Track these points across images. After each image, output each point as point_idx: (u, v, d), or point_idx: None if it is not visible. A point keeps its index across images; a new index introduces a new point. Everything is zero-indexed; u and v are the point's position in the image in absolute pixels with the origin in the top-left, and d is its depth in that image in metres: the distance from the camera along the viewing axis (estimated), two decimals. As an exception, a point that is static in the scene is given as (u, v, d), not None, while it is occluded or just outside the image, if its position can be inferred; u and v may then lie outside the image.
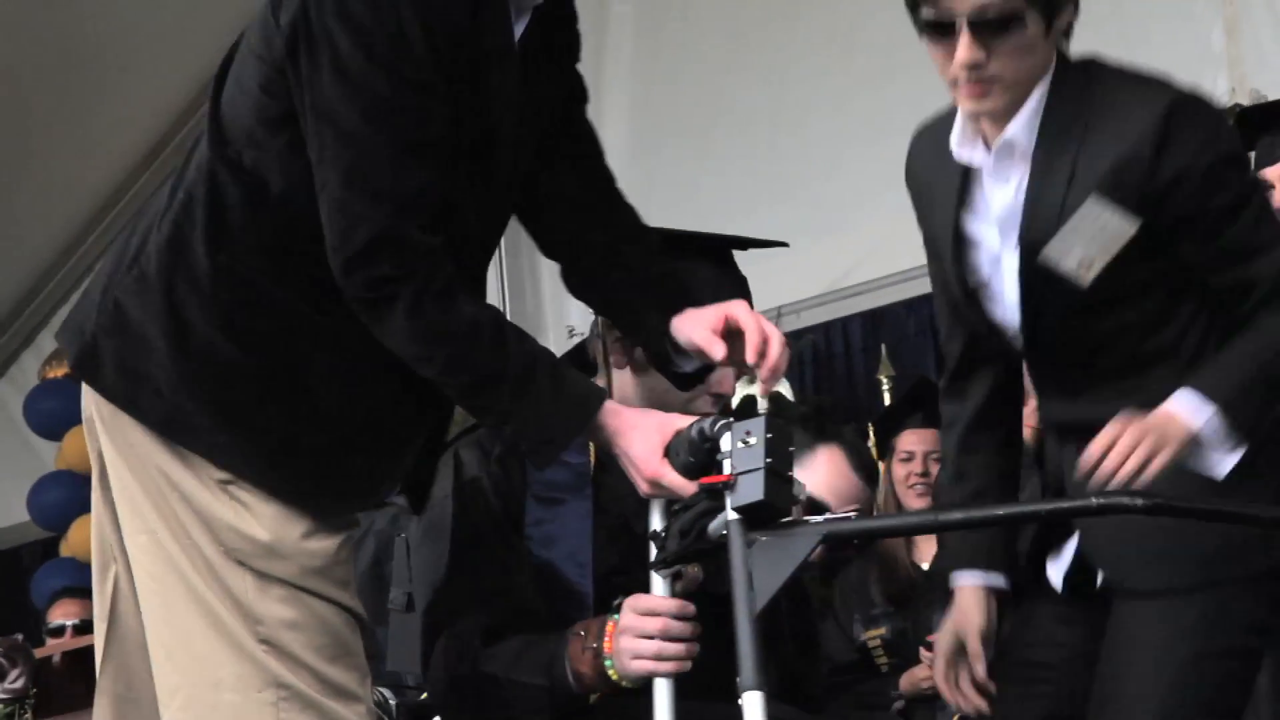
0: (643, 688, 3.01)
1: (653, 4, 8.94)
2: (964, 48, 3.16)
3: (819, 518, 2.87)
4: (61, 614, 8.03)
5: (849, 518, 3.10)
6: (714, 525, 2.81)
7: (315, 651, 2.93)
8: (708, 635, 3.08)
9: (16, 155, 9.60)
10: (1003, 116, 3.29)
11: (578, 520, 3.34)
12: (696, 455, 2.85)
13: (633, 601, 3.02)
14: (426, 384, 2.94)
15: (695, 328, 3.00)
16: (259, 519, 2.90)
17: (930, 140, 3.50)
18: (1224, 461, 3.15)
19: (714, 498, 2.81)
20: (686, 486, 2.86)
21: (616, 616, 3.05)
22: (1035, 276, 3.31)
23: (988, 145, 3.35)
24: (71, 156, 9.77)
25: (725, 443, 2.79)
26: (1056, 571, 3.43)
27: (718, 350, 2.94)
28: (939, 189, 3.46)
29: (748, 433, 2.77)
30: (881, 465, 6.03)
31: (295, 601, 2.93)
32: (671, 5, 8.84)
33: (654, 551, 2.98)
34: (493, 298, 9.25)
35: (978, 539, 3.49)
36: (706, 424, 2.85)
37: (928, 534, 3.10)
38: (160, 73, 9.15)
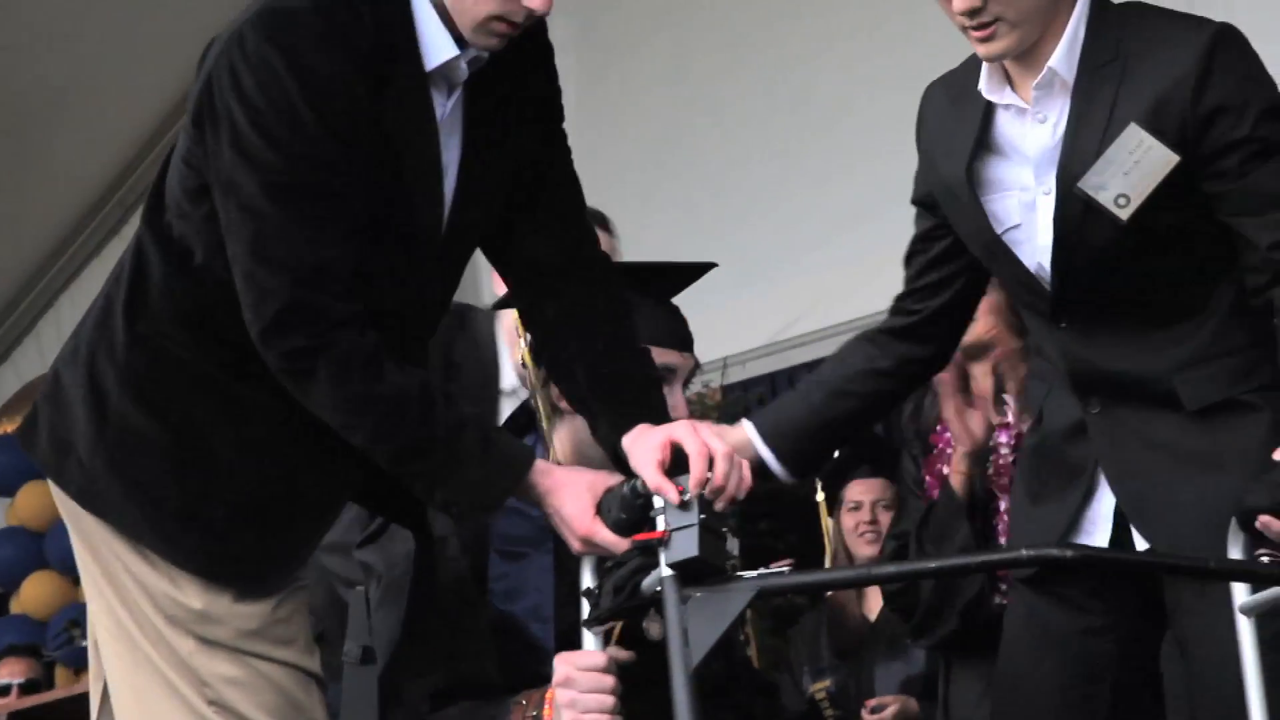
0: None
1: (595, 57, 8.83)
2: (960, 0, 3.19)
3: (753, 573, 2.85)
4: (7, 673, 7.97)
5: (783, 573, 3.06)
6: (647, 582, 2.81)
7: (265, 711, 2.93)
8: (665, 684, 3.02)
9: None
10: (1025, 57, 3.28)
11: (539, 574, 3.33)
12: (629, 512, 2.85)
13: (565, 658, 2.99)
14: (350, 446, 2.94)
15: (644, 460, 2.93)
16: (188, 586, 2.91)
17: (944, 91, 3.52)
18: None
19: (647, 555, 2.81)
20: (619, 544, 2.87)
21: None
22: (1072, 213, 3.29)
23: (1014, 88, 3.33)
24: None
25: (659, 500, 2.80)
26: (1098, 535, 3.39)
27: (671, 494, 2.87)
28: (957, 137, 3.44)
29: (680, 489, 2.79)
30: (830, 520, 6.07)
31: (239, 663, 2.93)
32: (613, 59, 8.83)
33: (586, 609, 2.97)
34: None
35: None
36: (639, 481, 2.85)
37: (860, 586, 3.07)
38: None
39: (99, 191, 10.08)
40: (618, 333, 3.15)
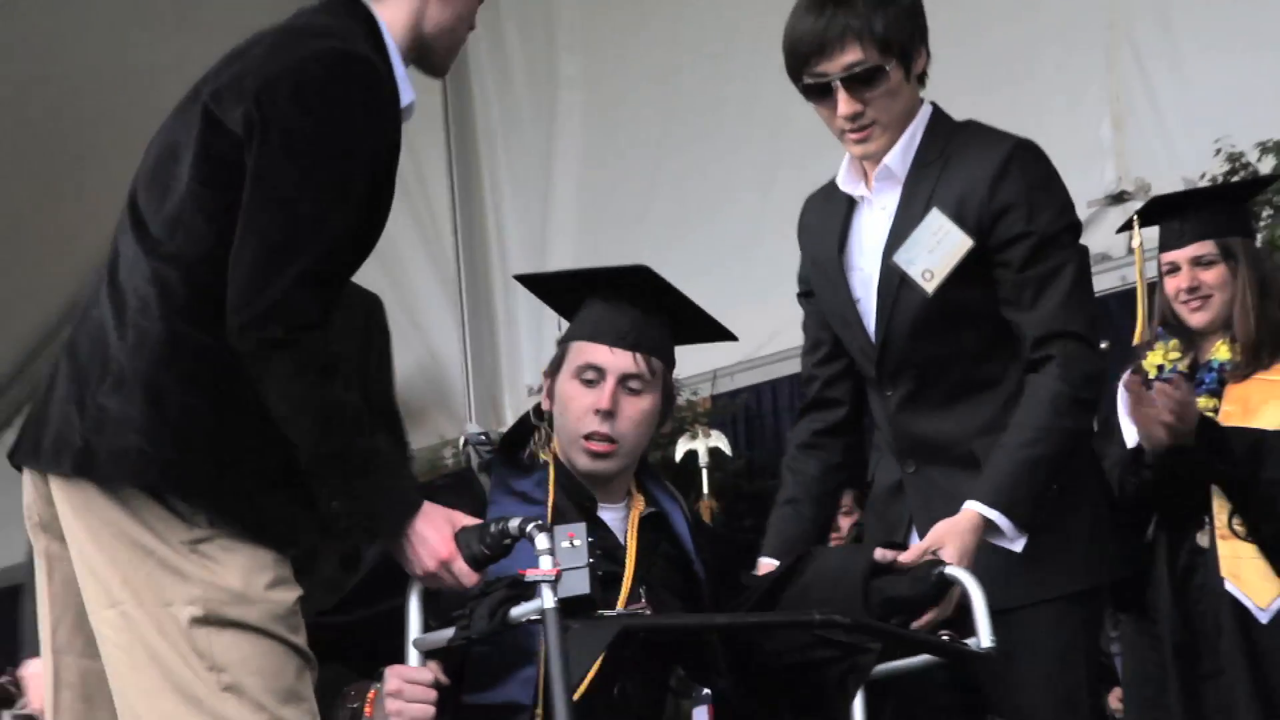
0: None
1: (599, 95, 9.06)
2: (842, 103, 3.48)
3: (613, 612, 3.07)
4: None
5: (643, 614, 3.20)
6: (517, 611, 2.89)
7: (272, 695, 2.90)
8: (638, 675, 3.25)
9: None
10: (884, 155, 3.57)
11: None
12: (492, 549, 2.90)
13: (396, 670, 3.03)
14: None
15: None
16: (229, 569, 2.89)
17: (819, 197, 3.80)
18: (1018, 541, 3.38)
19: (514, 588, 2.89)
20: (472, 575, 2.93)
21: (379, 685, 3.05)
22: (889, 285, 3.55)
23: (868, 183, 3.61)
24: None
25: (543, 541, 2.82)
26: None
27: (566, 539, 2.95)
28: (826, 229, 3.71)
29: (571, 535, 2.84)
30: None
31: (258, 645, 2.91)
32: (614, 97, 8.97)
33: (413, 628, 3.05)
34: (455, 354, 9.17)
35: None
36: (514, 523, 2.87)
37: (704, 631, 3.29)
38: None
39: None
40: None
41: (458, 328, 9.29)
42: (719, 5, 8.48)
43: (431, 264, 9.49)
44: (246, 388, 2.89)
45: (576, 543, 2.84)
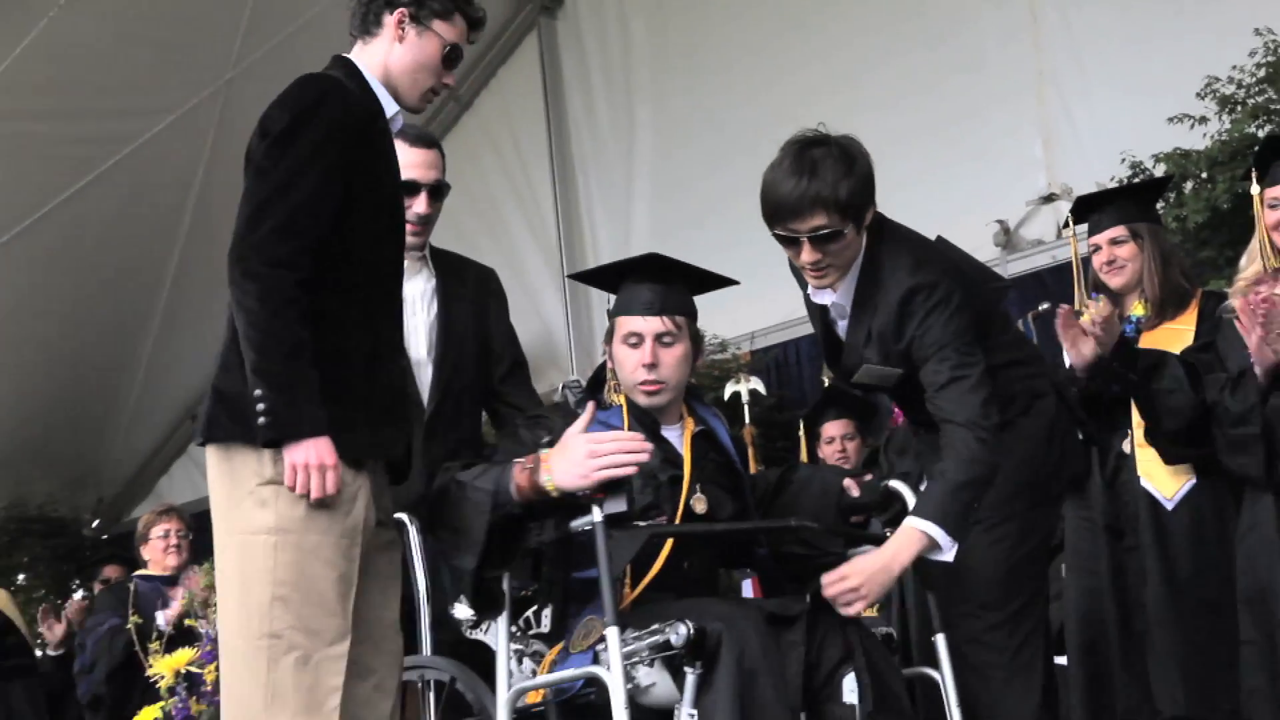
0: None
1: (665, 135, 8.96)
2: (807, 254, 3.26)
3: (645, 524, 3.04)
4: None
5: (664, 524, 3.13)
6: (574, 523, 2.92)
7: (312, 606, 2.79)
8: (696, 554, 3.20)
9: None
10: (836, 283, 3.37)
11: None
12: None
13: (587, 435, 2.95)
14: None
15: None
16: (286, 502, 2.82)
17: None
18: (951, 552, 3.10)
19: (575, 506, 2.90)
20: (335, 484, 2.81)
21: (546, 449, 2.97)
22: (865, 381, 3.46)
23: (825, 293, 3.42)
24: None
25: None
26: None
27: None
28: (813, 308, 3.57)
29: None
30: (807, 450, 6.00)
31: (308, 566, 2.81)
32: (677, 137, 8.86)
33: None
34: (560, 325, 9.12)
35: None
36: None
37: (703, 538, 3.25)
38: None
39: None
40: None
41: (562, 306, 9.24)
42: (760, 64, 8.34)
43: (543, 260, 9.42)
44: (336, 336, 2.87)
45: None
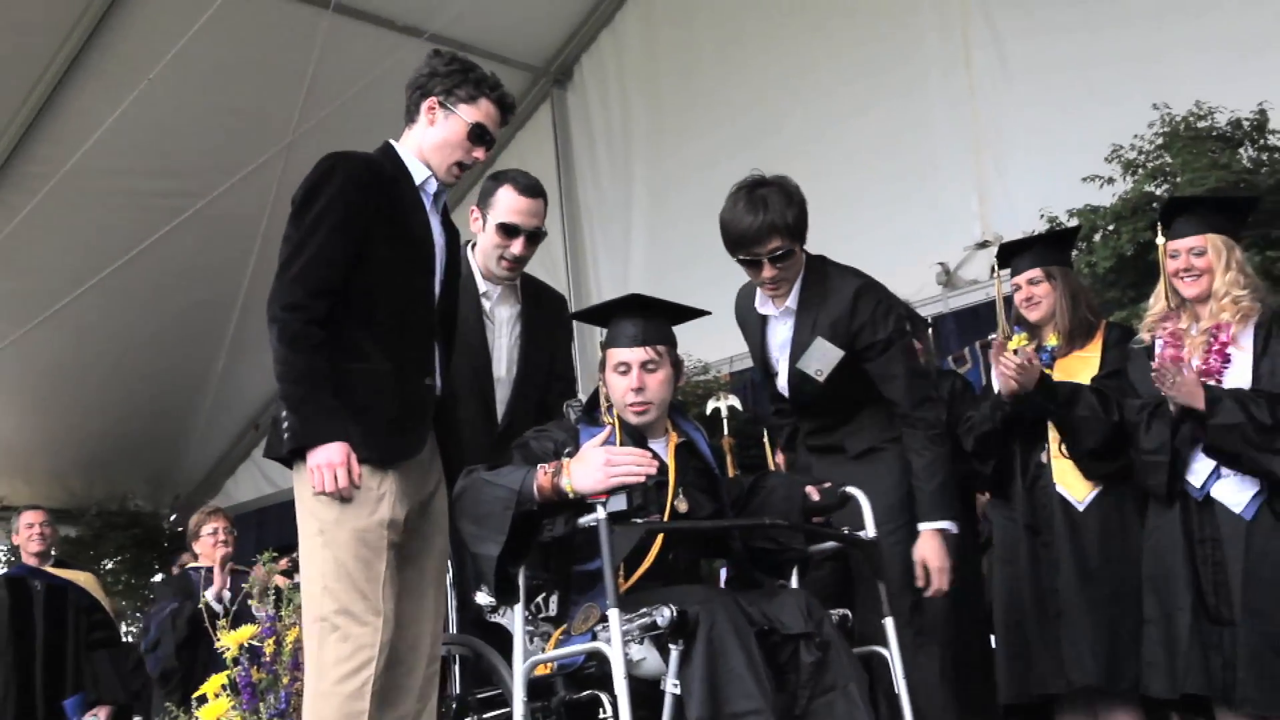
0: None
1: (658, 187, 8.89)
2: (767, 270, 3.47)
3: (642, 521, 2.96)
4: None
5: (657, 521, 3.10)
6: (581, 520, 2.90)
7: (350, 593, 2.84)
8: (681, 547, 3.21)
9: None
10: (786, 294, 3.55)
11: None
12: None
13: (605, 448, 2.96)
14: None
15: None
16: (331, 506, 2.87)
17: (746, 296, 3.75)
18: (954, 525, 3.47)
19: (583, 505, 2.89)
20: (346, 485, 2.87)
21: (567, 458, 2.96)
22: (795, 378, 3.60)
23: (774, 305, 3.60)
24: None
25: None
26: None
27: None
28: (752, 326, 3.73)
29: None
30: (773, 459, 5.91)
31: (344, 558, 2.85)
32: (669, 187, 8.78)
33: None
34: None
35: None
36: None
37: (698, 534, 3.29)
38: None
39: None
40: None
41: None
42: (740, 129, 8.34)
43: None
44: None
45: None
